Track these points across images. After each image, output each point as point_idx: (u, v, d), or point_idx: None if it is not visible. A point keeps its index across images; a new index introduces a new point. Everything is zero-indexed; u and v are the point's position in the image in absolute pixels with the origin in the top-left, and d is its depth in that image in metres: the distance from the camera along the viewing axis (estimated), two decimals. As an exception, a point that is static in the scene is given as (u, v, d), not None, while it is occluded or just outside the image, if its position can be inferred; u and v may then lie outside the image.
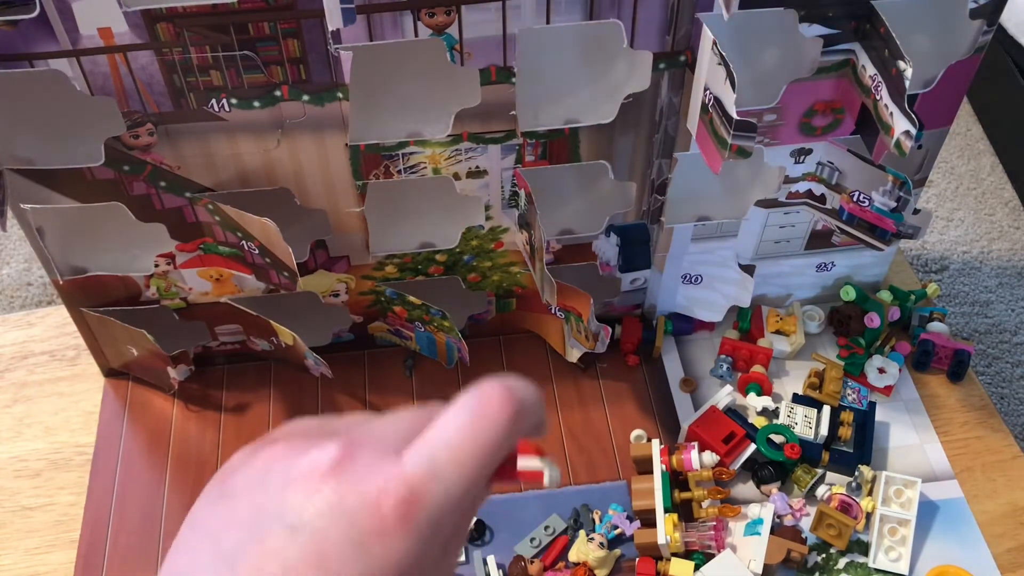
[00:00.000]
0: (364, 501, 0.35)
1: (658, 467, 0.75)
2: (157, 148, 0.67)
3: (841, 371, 0.83)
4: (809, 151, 0.76)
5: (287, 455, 0.38)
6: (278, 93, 0.64)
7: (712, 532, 0.73)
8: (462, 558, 0.74)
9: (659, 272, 0.85)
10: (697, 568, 0.72)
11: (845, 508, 0.74)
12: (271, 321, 0.78)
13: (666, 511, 0.73)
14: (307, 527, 0.36)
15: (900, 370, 0.86)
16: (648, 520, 0.74)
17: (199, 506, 0.39)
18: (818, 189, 0.79)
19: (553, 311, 0.80)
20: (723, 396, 0.82)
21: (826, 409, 0.80)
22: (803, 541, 0.74)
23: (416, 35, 0.61)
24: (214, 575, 0.36)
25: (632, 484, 0.76)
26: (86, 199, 0.68)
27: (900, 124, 0.63)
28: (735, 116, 0.59)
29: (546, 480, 0.39)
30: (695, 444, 0.77)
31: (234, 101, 0.64)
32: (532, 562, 0.73)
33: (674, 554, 0.73)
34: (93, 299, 0.78)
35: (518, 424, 0.39)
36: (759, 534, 0.73)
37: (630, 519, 0.76)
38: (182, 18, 0.59)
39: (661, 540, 0.71)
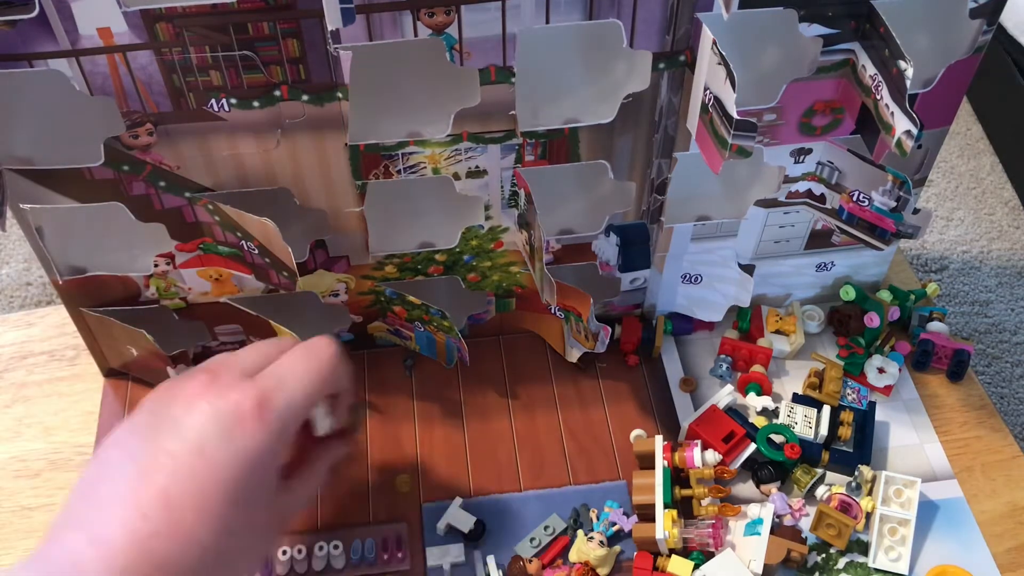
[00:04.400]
0: (229, 406, 0.53)
1: (660, 462, 0.75)
2: (157, 148, 0.67)
3: (841, 371, 0.83)
4: (809, 151, 0.76)
5: (169, 388, 0.56)
6: (278, 93, 0.64)
7: (710, 530, 0.73)
8: (460, 557, 0.74)
9: (659, 272, 0.85)
10: (696, 567, 0.72)
11: (845, 508, 0.74)
12: (271, 321, 0.78)
13: (665, 507, 0.73)
14: (189, 429, 0.52)
15: (900, 370, 0.86)
16: (647, 515, 0.74)
17: (113, 438, 0.55)
18: (818, 189, 0.79)
19: (553, 311, 0.80)
20: (723, 395, 0.82)
21: (826, 409, 0.80)
22: (803, 541, 0.74)
23: (416, 35, 0.61)
24: (119, 467, 0.53)
25: (633, 478, 0.76)
26: (85, 199, 0.68)
27: (901, 124, 0.63)
28: (735, 116, 0.59)
29: (317, 426, 0.62)
30: (698, 442, 0.77)
31: (233, 101, 0.64)
32: (531, 561, 0.73)
33: (673, 551, 0.73)
34: (92, 299, 0.78)
35: (338, 364, 0.60)
36: (759, 534, 0.73)
37: (627, 515, 0.76)
38: (182, 18, 0.59)
39: (659, 535, 0.71)
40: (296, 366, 0.57)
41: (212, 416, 0.53)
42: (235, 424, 0.53)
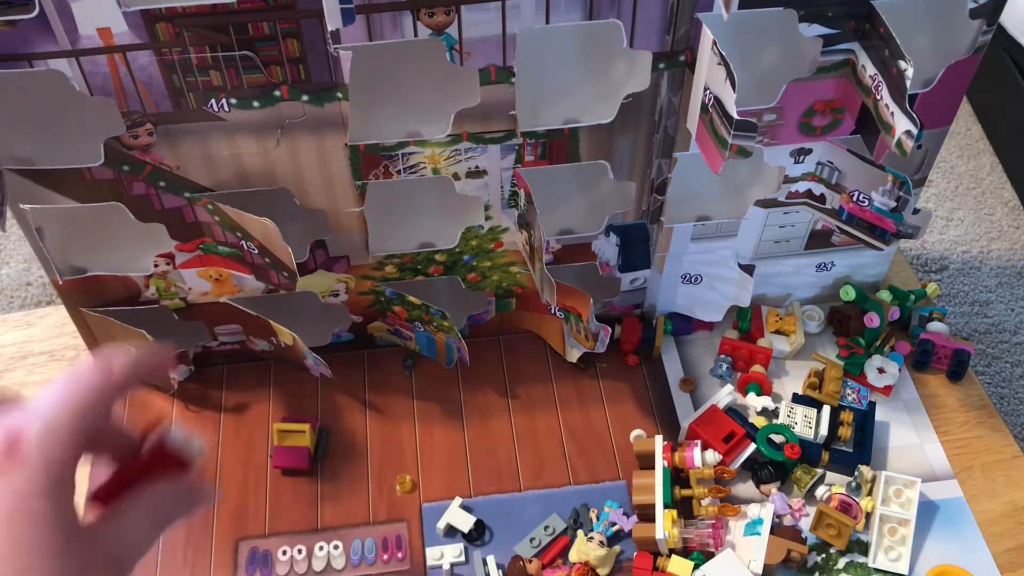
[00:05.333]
0: None
1: (660, 462, 0.75)
2: (156, 148, 0.67)
3: (841, 371, 0.83)
4: (809, 151, 0.76)
5: None
6: (278, 93, 0.64)
7: (710, 530, 0.73)
8: (461, 557, 0.74)
9: (659, 272, 0.85)
10: (696, 567, 0.72)
11: (845, 508, 0.74)
12: (271, 321, 0.78)
13: (666, 507, 0.73)
14: None
15: (900, 370, 0.86)
16: (647, 515, 0.74)
17: None
18: (818, 189, 0.79)
19: (553, 311, 0.80)
20: (723, 395, 0.82)
21: (826, 409, 0.80)
22: (803, 541, 0.74)
23: (416, 35, 0.61)
24: None
25: (633, 478, 0.76)
26: (86, 199, 0.68)
27: (901, 124, 0.63)
28: (735, 116, 0.59)
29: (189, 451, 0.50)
30: (698, 442, 0.77)
31: (233, 101, 0.64)
32: (531, 561, 0.73)
33: (673, 551, 0.73)
34: (93, 299, 0.78)
35: (114, 379, 0.48)
36: (759, 534, 0.73)
37: (627, 515, 0.76)
38: (181, 18, 0.58)
39: (659, 535, 0.71)
40: (53, 390, 0.47)
41: None
42: None
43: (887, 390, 0.85)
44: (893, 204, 0.75)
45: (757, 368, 0.86)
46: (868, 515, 0.76)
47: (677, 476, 0.77)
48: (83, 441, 0.46)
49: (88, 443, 0.47)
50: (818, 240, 0.86)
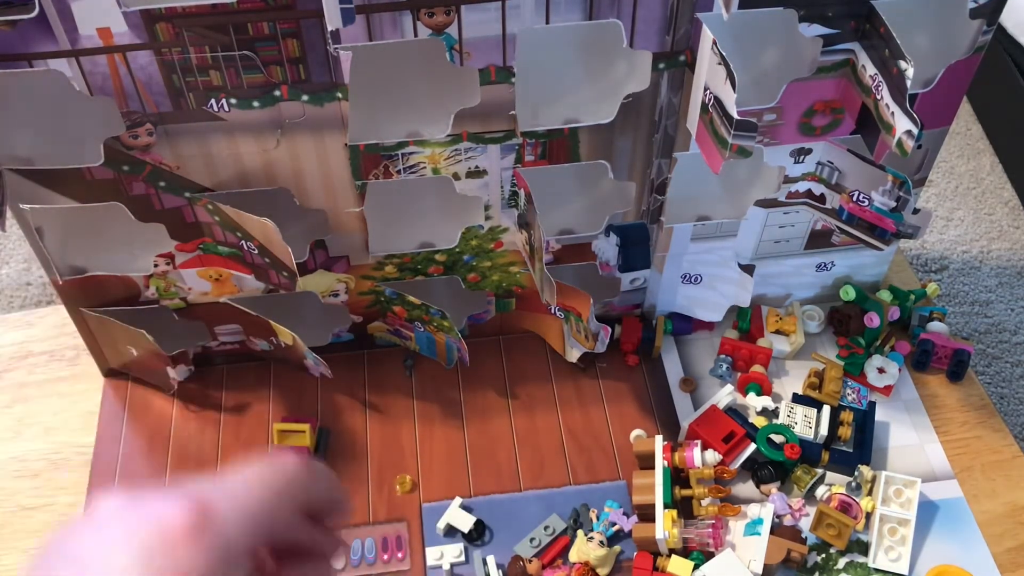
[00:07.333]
0: (153, 525, 0.37)
1: (660, 462, 0.75)
2: (156, 148, 0.67)
3: (841, 371, 0.83)
4: (809, 151, 0.76)
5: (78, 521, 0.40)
6: (277, 93, 0.64)
7: (710, 530, 0.73)
8: (461, 557, 0.74)
9: (659, 272, 0.85)
10: (696, 567, 0.72)
11: (845, 508, 0.74)
12: (271, 321, 0.78)
13: (666, 507, 0.73)
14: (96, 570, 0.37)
15: (900, 370, 0.86)
16: (647, 515, 0.74)
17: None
18: (818, 189, 0.79)
19: (553, 311, 0.80)
20: (723, 395, 0.82)
21: (826, 409, 0.80)
22: (803, 541, 0.74)
23: (415, 35, 0.61)
24: None
25: (633, 478, 0.76)
26: (86, 199, 0.68)
27: (902, 124, 0.63)
28: (735, 116, 0.59)
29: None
30: (698, 442, 0.77)
31: (233, 101, 0.64)
32: (531, 561, 0.73)
33: (673, 551, 0.73)
34: (92, 299, 0.78)
35: (306, 480, 0.43)
36: (759, 534, 0.73)
37: (627, 515, 0.76)
38: (181, 18, 0.59)
39: (659, 535, 0.71)
40: (248, 477, 0.42)
41: (131, 544, 0.37)
42: (158, 547, 0.37)
43: (887, 390, 0.85)
44: (893, 204, 0.75)
45: (757, 368, 0.86)
46: (868, 515, 0.76)
47: (677, 476, 0.77)
48: (265, 534, 0.41)
49: (269, 540, 0.41)
50: (818, 240, 0.86)
